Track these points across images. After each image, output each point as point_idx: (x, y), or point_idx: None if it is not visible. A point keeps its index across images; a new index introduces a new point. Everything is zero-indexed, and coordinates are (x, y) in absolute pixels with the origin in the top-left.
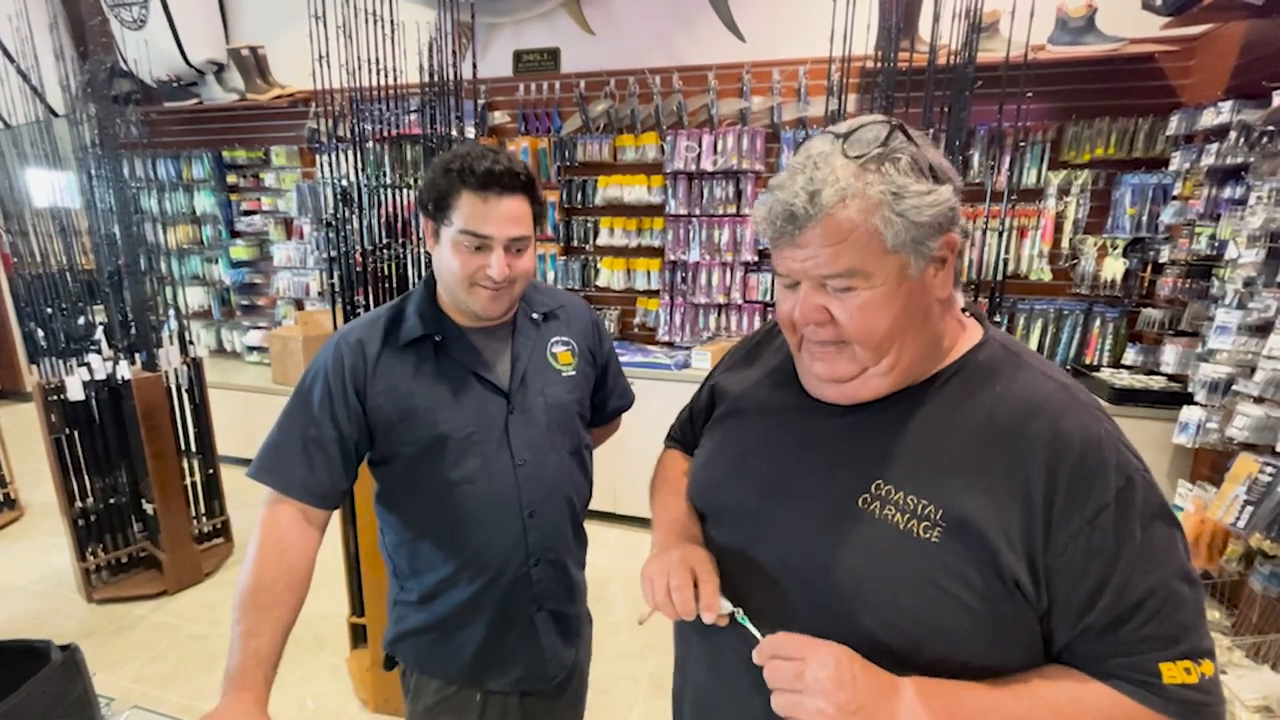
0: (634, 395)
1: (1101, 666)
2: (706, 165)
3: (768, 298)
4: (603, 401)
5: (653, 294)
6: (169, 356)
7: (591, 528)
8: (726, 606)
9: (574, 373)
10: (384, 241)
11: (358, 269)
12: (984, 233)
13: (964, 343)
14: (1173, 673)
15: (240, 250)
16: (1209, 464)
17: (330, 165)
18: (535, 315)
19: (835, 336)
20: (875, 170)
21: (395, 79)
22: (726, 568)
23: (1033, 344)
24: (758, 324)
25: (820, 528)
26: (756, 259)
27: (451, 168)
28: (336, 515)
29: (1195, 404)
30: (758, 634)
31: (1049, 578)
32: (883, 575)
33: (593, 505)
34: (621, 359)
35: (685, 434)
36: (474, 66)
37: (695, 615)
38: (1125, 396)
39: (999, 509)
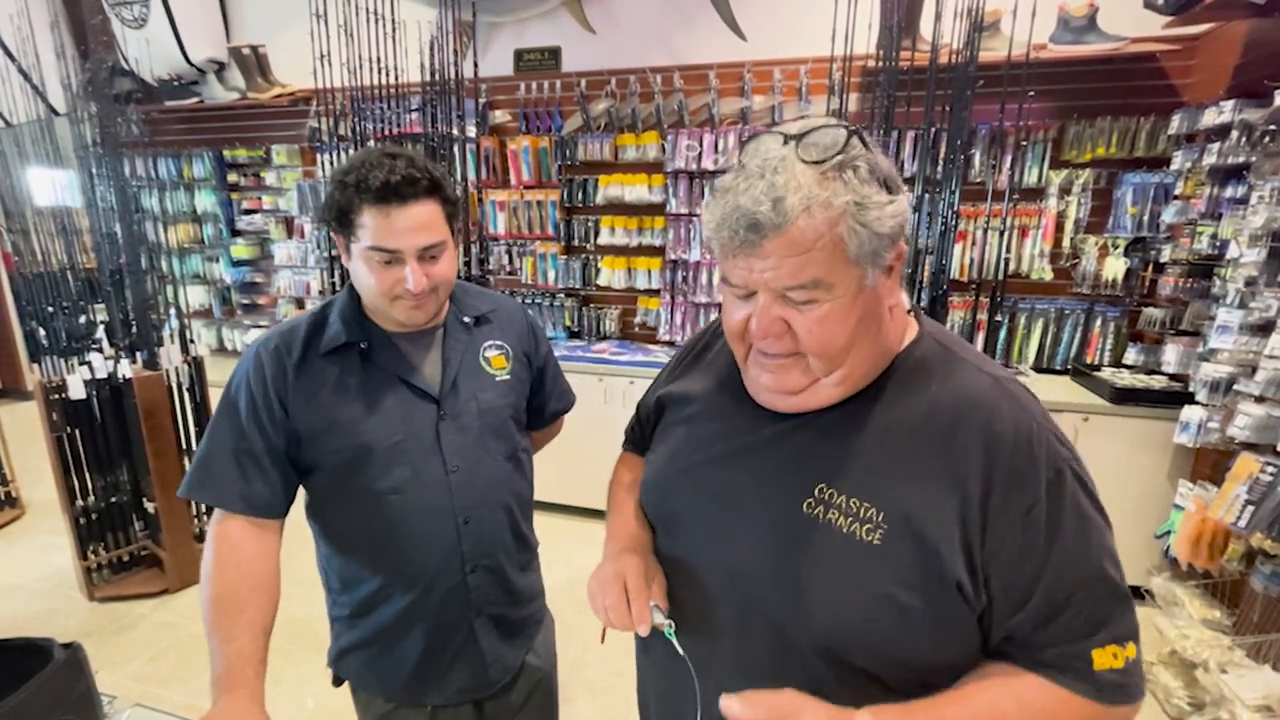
0: (575, 397)
1: (1037, 656)
2: (708, 164)
3: None
4: (541, 405)
5: (653, 293)
6: (170, 355)
7: (595, 526)
8: (659, 618)
9: (508, 377)
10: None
11: None
12: (985, 232)
13: (903, 342)
14: (1103, 659)
15: (241, 249)
16: (1210, 463)
17: (331, 164)
18: (466, 319)
19: (791, 349)
20: (837, 178)
21: (396, 78)
22: (678, 576)
23: (1033, 343)
24: None
25: (766, 533)
26: None
27: (347, 181)
28: None
29: (1196, 403)
30: (681, 650)
31: (986, 572)
32: (827, 578)
33: (594, 504)
34: (621, 358)
35: (636, 437)
36: (475, 65)
37: (633, 629)
38: (1126, 396)
39: (937, 508)
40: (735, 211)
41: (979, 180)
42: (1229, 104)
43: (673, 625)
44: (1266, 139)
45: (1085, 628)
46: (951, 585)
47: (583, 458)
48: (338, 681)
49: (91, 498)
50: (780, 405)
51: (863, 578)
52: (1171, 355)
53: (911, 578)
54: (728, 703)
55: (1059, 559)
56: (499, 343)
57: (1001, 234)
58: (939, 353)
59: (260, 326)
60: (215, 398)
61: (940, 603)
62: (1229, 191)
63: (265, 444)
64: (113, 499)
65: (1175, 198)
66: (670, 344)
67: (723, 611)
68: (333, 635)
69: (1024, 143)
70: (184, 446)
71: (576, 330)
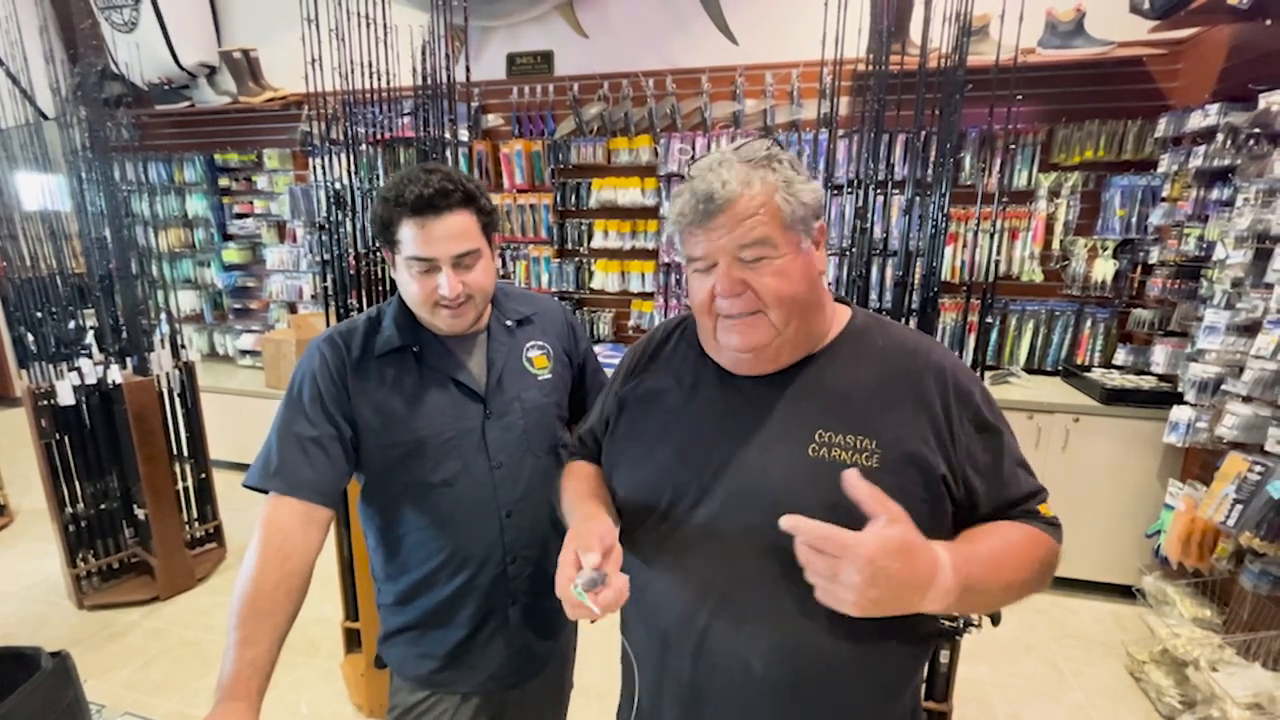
0: None
1: (1006, 516)
2: None
3: None
4: (582, 399)
5: (647, 296)
6: (160, 360)
7: None
8: (583, 577)
9: (550, 376)
10: (377, 245)
11: (351, 272)
12: (976, 234)
13: (841, 319)
14: (1045, 511)
15: (232, 253)
16: (1199, 463)
17: (323, 168)
18: (509, 322)
19: (751, 306)
20: (766, 167)
21: (388, 82)
22: (693, 553)
23: (1024, 345)
24: None
25: (782, 483)
26: None
27: (388, 197)
28: None
29: (1185, 404)
30: (594, 607)
31: (963, 469)
32: (850, 507)
33: None
34: (616, 361)
35: (586, 446)
36: (467, 70)
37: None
38: (1116, 396)
39: (914, 427)
40: (694, 194)
41: (969, 183)
42: (1214, 107)
43: (579, 586)
44: (1251, 141)
45: (1029, 492)
46: (938, 481)
47: None
48: (380, 664)
49: (81, 505)
50: (747, 362)
51: None
52: (1160, 356)
53: (910, 485)
54: (851, 475)
55: (1004, 448)
56: (540, 343)
57: (992, 236)
58: (874, 322)
59: (252, 331)
60: (206, 403)
61: (933, 499)
62: (1215, 193)
63: (333, 430)
64: (102, 506)
65: (1162, 200)
66: None
67: (757, 566)
68: (380, 621)
69: (1013, 146)
70: (175, 452)
71: None
